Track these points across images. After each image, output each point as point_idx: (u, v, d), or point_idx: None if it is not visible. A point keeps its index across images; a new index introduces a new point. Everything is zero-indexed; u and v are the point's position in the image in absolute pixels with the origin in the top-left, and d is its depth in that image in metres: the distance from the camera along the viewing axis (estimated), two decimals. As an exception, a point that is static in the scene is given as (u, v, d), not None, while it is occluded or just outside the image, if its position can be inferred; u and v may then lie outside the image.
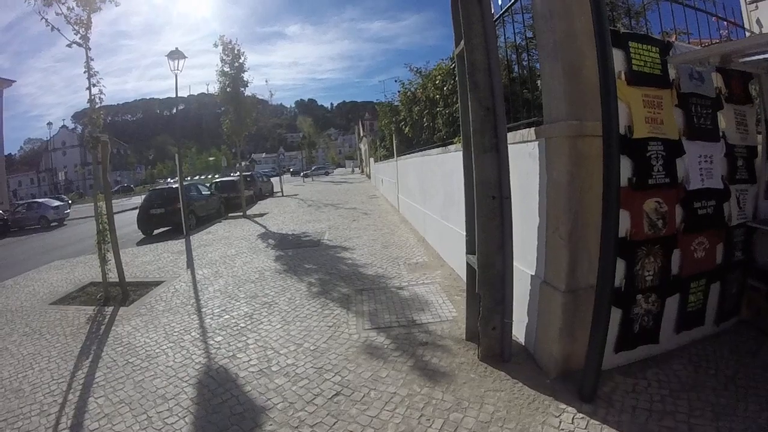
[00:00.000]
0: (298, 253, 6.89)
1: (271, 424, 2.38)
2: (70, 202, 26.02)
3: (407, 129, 8.41)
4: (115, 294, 5.19)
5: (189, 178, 36.09)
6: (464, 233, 3.22)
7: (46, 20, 4.65)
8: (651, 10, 3.96)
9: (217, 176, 36.86)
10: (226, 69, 13.20)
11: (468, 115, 2.81)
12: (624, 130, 2.37)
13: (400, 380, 2.71)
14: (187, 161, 58.17)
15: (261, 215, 13.06)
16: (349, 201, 15.40)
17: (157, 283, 5.70)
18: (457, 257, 4.68)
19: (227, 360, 3.23)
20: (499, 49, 3.27)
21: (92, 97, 4.95)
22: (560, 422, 2.16)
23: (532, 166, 2.78)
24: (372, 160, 23.50)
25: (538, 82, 3.01)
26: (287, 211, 13.66)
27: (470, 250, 3.08)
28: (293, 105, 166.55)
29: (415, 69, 7.84)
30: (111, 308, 4.79)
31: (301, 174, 44.12)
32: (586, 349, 2.27)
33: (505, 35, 3.57)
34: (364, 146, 37.48)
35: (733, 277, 2.94)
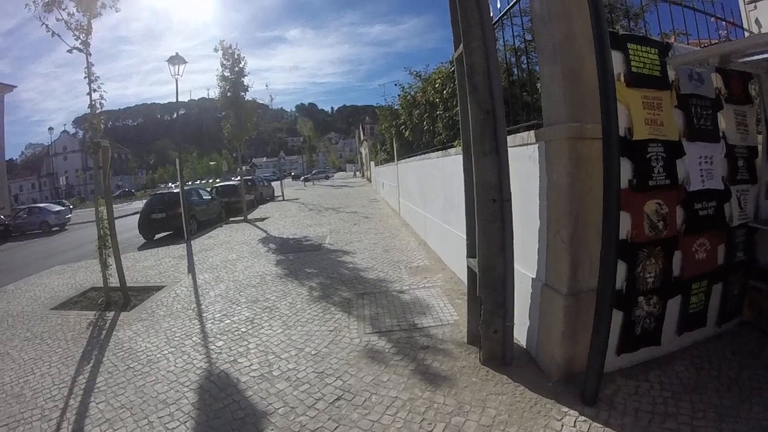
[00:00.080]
0: (299, 258, 6.88)
1: (272, 429, 2.38)
2: (71, 206, 26.12)
3: (407, 132, 8.43)
4: (117, 299, 5.19)
5: (190, 183, 36.09)
6: (465, 236, 3.22)
7: (47, 26, 4.69)
8: (649, 12, 3.98)
9: (217, 181, 36.91)
10: (227, 74, 13.32)
11: (468, 119, 2.81)
12: (624, 131, 2.37)
13: (401, 384, 2.70)
14: (188, 166, 58.33)
15: (262, 219, 13.06)
16: (350, 205, 15.40)
17: (159, 288, 5.70)
18: (458, 260, 4.67)
19: (228, 365, 3.22)
20: (499, 52, 3.28)
21: (93, 102, 4.97)
22: (562, 426, 2.15)
23: (532, 169, 2.77)
24: (372, 163, 23.55)
25: (538, 84, 3.01)
26: (288, 216, 13.66)
27: (471, 254, 3.07)
28: (294, 109, 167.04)
29: (415, 72, 7.90)
30: (112, 313, 4.78)
31: (302, 178, 44.07)
32: (588, 351, 2.26)
33: (504, 38, 3.58)
34: (364, 150, 37.46)
35: (734, 278, 2.93)
